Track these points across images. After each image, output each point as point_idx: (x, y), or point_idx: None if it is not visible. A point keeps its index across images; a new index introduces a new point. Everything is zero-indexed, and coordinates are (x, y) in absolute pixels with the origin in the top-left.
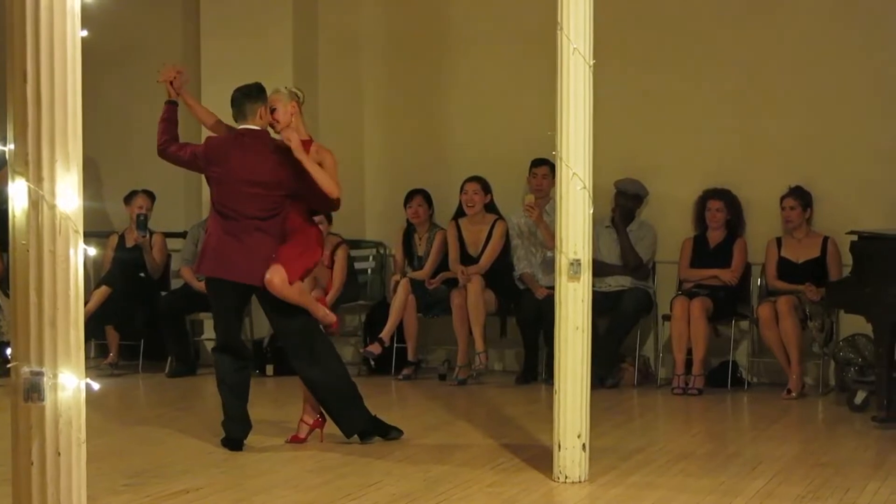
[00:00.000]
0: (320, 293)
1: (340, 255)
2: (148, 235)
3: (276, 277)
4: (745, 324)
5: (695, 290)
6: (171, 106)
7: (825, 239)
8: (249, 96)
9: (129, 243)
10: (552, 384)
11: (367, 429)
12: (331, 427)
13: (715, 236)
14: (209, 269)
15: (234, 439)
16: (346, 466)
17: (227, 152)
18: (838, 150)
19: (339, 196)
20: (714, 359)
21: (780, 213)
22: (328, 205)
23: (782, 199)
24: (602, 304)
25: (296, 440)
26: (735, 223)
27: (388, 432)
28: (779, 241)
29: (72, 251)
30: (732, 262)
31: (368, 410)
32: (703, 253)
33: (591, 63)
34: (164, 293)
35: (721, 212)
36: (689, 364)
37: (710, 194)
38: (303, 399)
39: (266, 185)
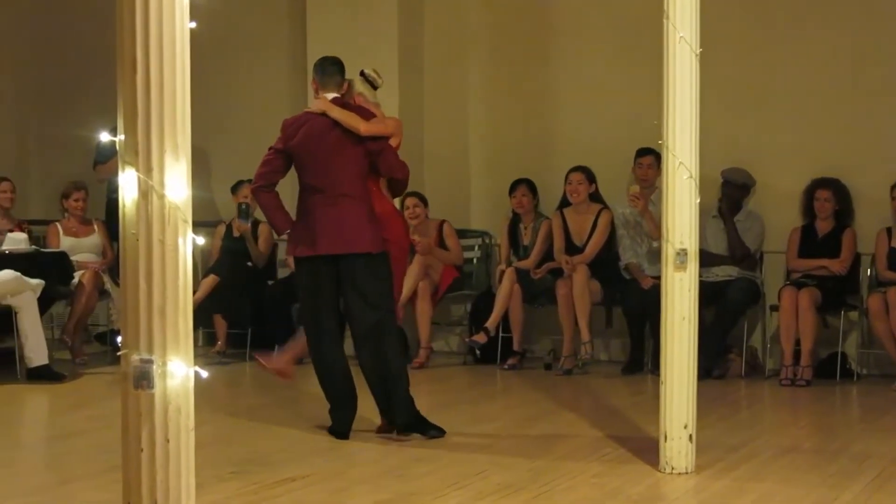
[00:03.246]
0: (429, 285)
1: (448, 231)
2: (250, 225)
3: None
4: (854, 314)
5: (803, 280)
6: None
7: None
8: (336, 66)
9: (236, 233)
10: (658, 374)
11: (411, 422)
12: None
13: (823, 226)
14: (304, 250)
15: (339, 430)
16: (451, 455)
17: (304, 124)
18: None
19: (365, 130)
20: (823, 350)
21: (890, 202)
22: (396, 170)
23: (892, 188)
24: (709, 295)
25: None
26: (844, 213)
27: (428, 430)
28: (889, 230)
29: (180, 240)
30: (841, 252)
31: (415, 405)
32: (811, 243)
33: (698, 51)
34: (270, 282)
35: (829, 202)
36: (797, 355)
37: (818, 184)
38: None
39: (350, 144)
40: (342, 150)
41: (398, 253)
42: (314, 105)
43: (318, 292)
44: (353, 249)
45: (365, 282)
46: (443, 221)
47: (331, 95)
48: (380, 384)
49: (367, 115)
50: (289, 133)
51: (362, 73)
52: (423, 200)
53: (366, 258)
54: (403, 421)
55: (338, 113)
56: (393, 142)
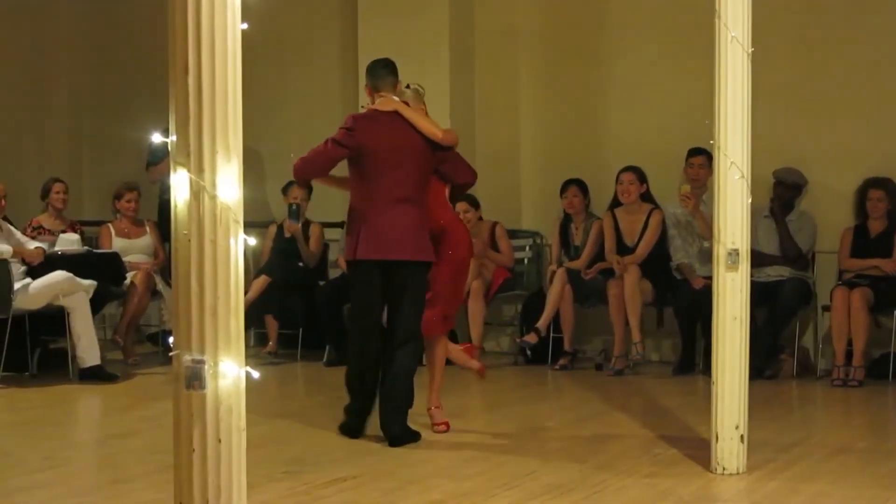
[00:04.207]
0: (482, 285)
1: (500, 233)
2: (300, 225)
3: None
4: None
5: (855, 280)
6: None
7: None
8: (388, 67)
9: (287, 233)
10: (710, 375)
11: (403, 434)
12: (479, 421)
13: (876, 226)
14: (365, 252)
15: (353, 428)
16: (502, 456)
17: (380, 123)
18: None
19: (443, 137)
20: (875, 350)
21: None
22: (467, 175)
23: None
24: (760, 295)
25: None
26: None
27: (415, 436)
28: None
29: (232, 241)
30: (894, 252)
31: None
32: (863, 243)
33: (750, 51)
34: (321, 283)
35: (882, 201)
36: (849, 355)
37: (871, 183)
38: (429, 388)
39: (424, 148)
40: (417, 153)
41: (463, 260)
42: (381, 104)
43: (372, 295)
44: (420, 257)
45: (417, 289)
46: (495, 223)
47: (396, 98)
48: (398, 394)
49: None
50: (363, 131)
51: (408, 87)
52: (474, 204)
53: (425, 266)
54: (398, 432)
55: (412, 114)
56: None
